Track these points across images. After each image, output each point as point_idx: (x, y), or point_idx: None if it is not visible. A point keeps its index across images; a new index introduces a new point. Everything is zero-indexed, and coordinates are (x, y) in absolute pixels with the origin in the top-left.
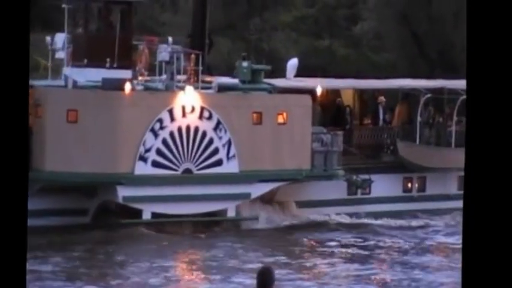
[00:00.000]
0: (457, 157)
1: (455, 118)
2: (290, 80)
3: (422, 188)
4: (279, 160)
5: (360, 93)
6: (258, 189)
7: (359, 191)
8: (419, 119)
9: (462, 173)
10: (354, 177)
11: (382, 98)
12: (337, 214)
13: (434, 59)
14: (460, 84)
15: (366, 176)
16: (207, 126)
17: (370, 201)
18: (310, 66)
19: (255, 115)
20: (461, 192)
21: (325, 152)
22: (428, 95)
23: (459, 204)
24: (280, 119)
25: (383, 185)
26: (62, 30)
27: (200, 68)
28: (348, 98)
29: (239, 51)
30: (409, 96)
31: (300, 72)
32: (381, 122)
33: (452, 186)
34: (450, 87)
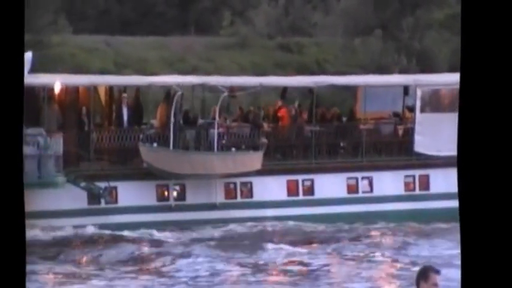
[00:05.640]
0: (216, 163)
1: (217, 119)
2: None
3: (181, 197)
4: None
5: (111, 90)
6: None
7: (102, 200)
8: (172, 120)
9: (229, 180)
10: (89, 185)
11: (125, 96)
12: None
13: None
14: (223, 80)
15: (105, 184)
16: None
17: (117, 211)
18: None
19: None
20: (231, 201)
21: (38, 156)
22: (180, 93)
23: (229, 214)
24: None
25: (132, 193)
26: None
27: None
28: (102, 96)
29: (390, 51)
30: (171, 95)
31: (450, 71)
32: (125, 123)
33: (219, 195)
34: (212, 84)
